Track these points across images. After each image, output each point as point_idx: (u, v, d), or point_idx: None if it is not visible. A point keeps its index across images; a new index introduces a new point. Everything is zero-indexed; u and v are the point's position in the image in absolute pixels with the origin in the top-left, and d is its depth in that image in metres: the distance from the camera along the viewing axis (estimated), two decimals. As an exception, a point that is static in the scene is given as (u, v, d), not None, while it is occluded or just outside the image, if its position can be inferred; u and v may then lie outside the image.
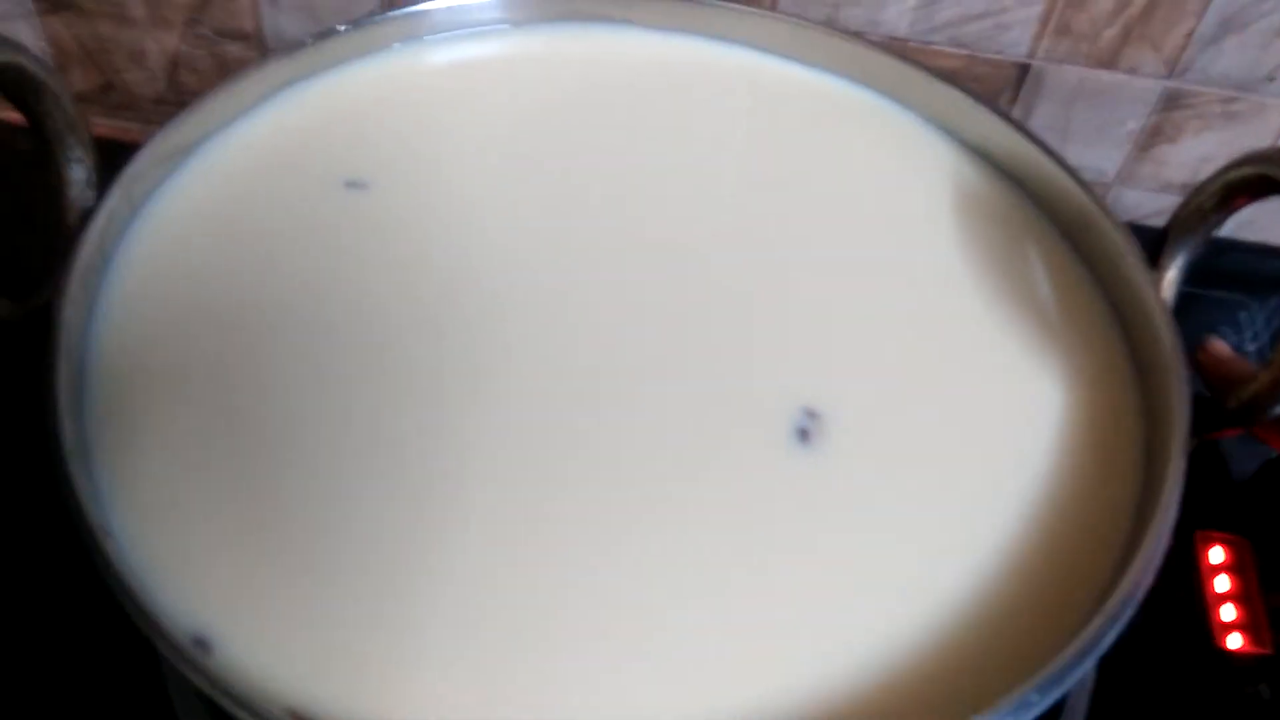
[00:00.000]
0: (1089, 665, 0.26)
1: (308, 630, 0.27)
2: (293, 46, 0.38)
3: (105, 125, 0.65)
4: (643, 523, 0.30)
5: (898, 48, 0.52)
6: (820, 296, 0.37)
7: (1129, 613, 0.27)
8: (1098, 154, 0.57)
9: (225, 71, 0.60)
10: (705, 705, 0.27)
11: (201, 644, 0.26)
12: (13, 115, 0.63)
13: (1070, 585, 0.30)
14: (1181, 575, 0.43)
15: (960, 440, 0.33)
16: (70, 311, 0.30)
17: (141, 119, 0.65)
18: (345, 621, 0.27)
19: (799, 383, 0.34)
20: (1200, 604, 0.42)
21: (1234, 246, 0.58)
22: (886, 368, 0.35)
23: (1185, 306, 0.54)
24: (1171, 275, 0.36)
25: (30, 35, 0.59)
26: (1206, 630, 0.41)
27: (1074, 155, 0.56)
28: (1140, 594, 0.28)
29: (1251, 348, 0.52)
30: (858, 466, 0.32)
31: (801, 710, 0.27)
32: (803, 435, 0.32)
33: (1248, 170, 0.33)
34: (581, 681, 0.27)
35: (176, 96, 0.62)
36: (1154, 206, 0.59)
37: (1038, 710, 0.26)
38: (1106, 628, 0.27)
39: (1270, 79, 0.52)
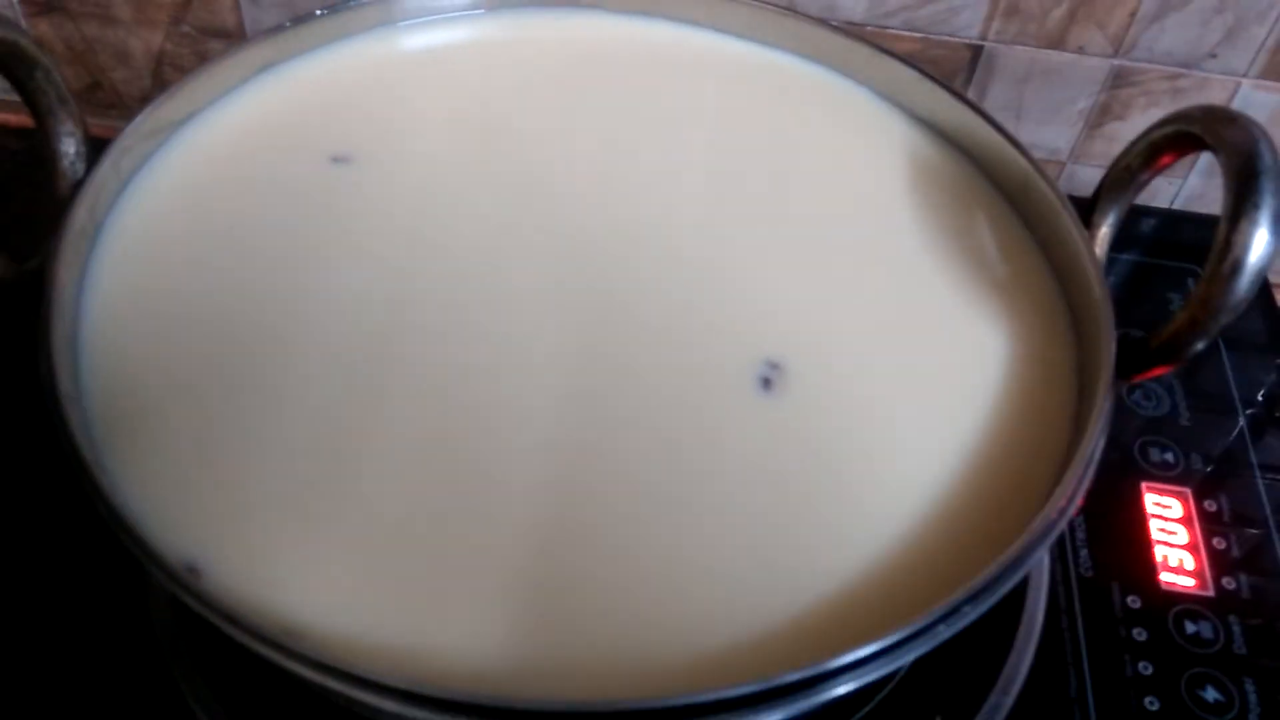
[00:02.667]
0: (1016, 578, 0.29)
1: (291, 557, 0.29)
2: (273, 30, 0.40)
3: (93, 124, 0.66)
4: (621, 461, 0.32)
5: (854, 32, 0.54)
6: (782, 258, 0.39)
7: (1055, 532, 0.29)
8: (1051, 132, 0.59)
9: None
10: (672, 627, 0.29)
11: (192, 571, 0.28)
12: (9, 117, 0.65)
13: (1011, 511, 0.32)
14: (1131, 526, 0.45)
15: (913, 384, 0.35)
16: (64, 272, 0.32)
17: (128, 117, 0.66)
18: (325, 547, 0.29)
19: (761, 337, 0.36)
20: (1147, 550, 0.44)
21: (1185, 219, 0.60)
22: (844, 322, 0.37)
23: (1141, 275, 0.57)
24: (1104, 232, 0.38)
25: (20, 35, 0.61)
26: (1152, 574, 0.43)
27: (1028, 134, 0.59)
28: (1065, 516, 0.30)
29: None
30: (816, 409, 0.34)
31: (769, 627, 0.29)
32: (766, 384, 0.35)
33: (1169, 129, 0.35)
34: (556, 610, 0.29)
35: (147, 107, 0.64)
36: (1107, 183, 0.61)
37: (970, 619, 0.28)
38: (1033, 544, 0.29)
39: (1212, 55, 0.54)
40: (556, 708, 0.25)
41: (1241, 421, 0.50)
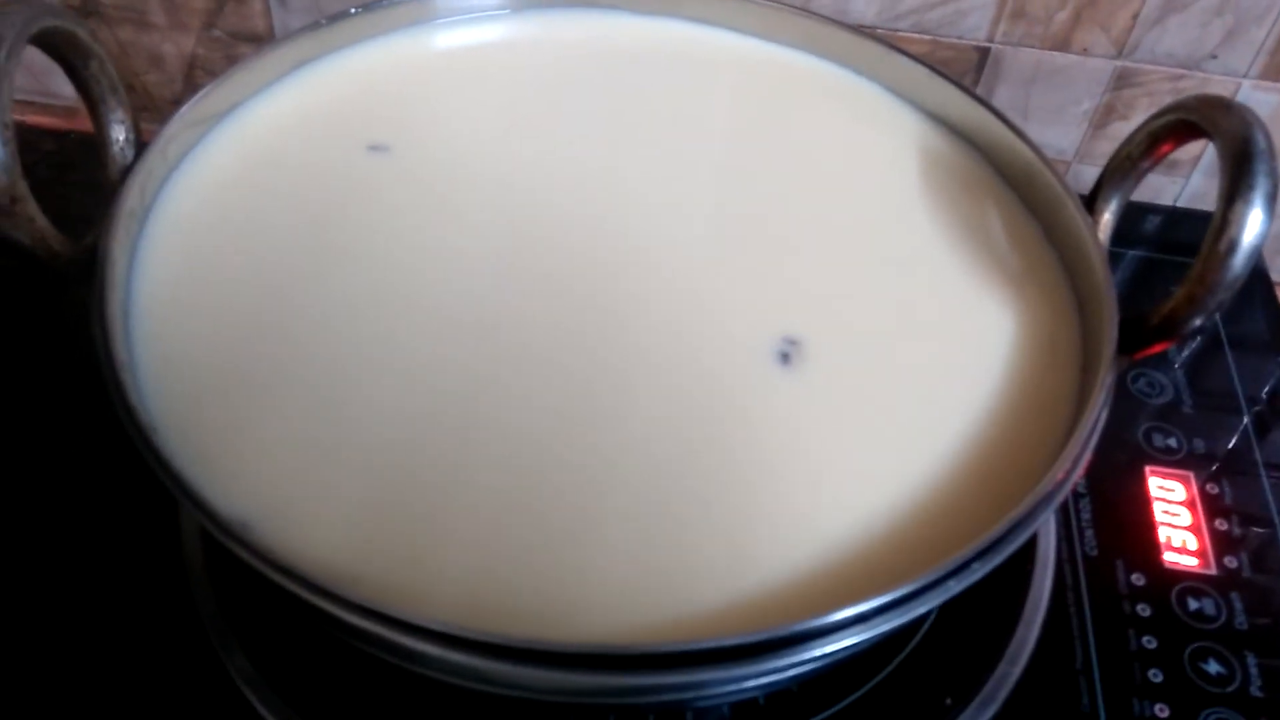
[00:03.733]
0: (1024, 536, 0.30)
1: (328, 512, 0.31)
2: (310, 27, 0.42)
3: (126, 125, 0.69)
4: (649, 428, 0.34)
5: (866, 32, 0.56)
6: (801, 243, 0.40)
7: (1061, 494, 0.31)
8: (1057, 133, 0.61)
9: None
10: (683, 582, 0.30)
11: (245, 527, 0.29)
12: (42, 119, 0.67)
13: (1019, 484, 0.33)
14: (1135, 508, 0.47)
15: (925, 361, 0.37)
16: (116, 248, 0.34)
17: (159, 119, 0.69)
18: (361, 505, 0.31)
19: (780, 316, 0.37)
20: (1150, 531, 0.46)
21: (1188, 216, 0.62)
22: (860, 302, 0.39)
23: (1147, 270, 0.58)
24: (1106, 219, 0.39)
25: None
26: (1156, 554, 0.45)
27: (1034, 135, 0.60)
28: (1070, 480, 0.31)
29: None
30: (832, 383, 0.36)
31: (783, 581, 0.30)
32: (784, 358, 0.36)
33: (1168, 118, 0.37)
34: (586, 567, 0.31)
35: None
36: (1112, 183, 0.63)
37: (979, 574, 0.29)
38: (1040, 504, 0.30)
39: (1212, 56, 0.56)
40: (589, 650, 0.27)
41: (1245, 415, 0.51)
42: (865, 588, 0.28)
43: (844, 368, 0.36)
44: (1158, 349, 0.35)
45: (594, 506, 0.32)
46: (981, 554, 0.29)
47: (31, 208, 0.31)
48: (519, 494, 0.32)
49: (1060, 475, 0.31)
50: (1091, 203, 0.40)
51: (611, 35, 0.47)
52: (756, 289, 0.38)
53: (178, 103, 0.66)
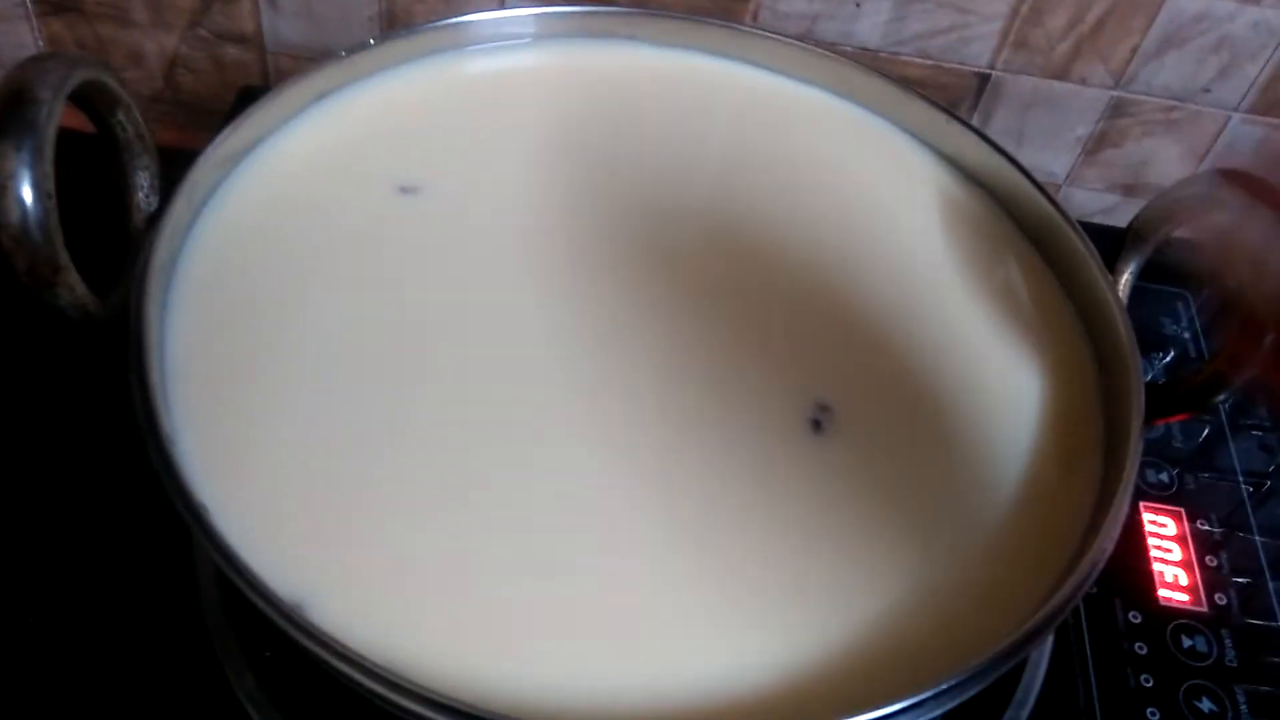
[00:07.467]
0: (1064, 615, 0.31)
1: (382, 593, 0.31)
2: (328, 58, 0.41)
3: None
4: (679, 495, 0.34)
5: (869, 58, 0.56)
6: (824, 302, 0.41)
7: (1096, 572, 0.32)
8: (1049, 157, 0.62)
9: (222, 72, 0.62)
10: (709, 656, 0.31)
11: (299, 607, 0.29)
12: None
13: (1044, 549, 0.34)
14: (1130, 544, 0.48)
15: (950, 425, 0.38)
16: (150, 308, 0.33)
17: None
18: (416, 586, 0.31)
19: (811, 381, 0.38)
20: (1146, 567, 0.47)
21: (1178, 245, 0.63)
22: (886, 366, 0.39)
23: (1136, 299, 0.59)
24: (1126, 278, 0.40)
25: (29, 36, 0.61)
26: (1152, 591, 0.46)
27: (1027, 158, 0.61)
28: (1103, 560, 0.32)
29: (1186, 334, 0.57)
30: (863, 449, 0.36)
31: (799, 658, 0.31)
32: (816, 425, 0.37)
33: (1194, 189, 0.38)
34: (611, 629, 0.31)
35: (173, 95, 0.64)
36: (1099, 205, 0.64)
37: (1026, 651, 0.30)
38: (1077, 589, 0.31)
39: (1206, 90, 0.57)
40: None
41: (1231, 447, 0.53)
42: (913, 677, 0.29)
43: (872, 434, 0.37)
44: (1180, 418, 0.37)
45: (626, 569, 0.32)
46: (1033, 634, 0.30)
47: (73, 276, 0.30)
48: (545, 558, 0.32)
49: (1096, 556, 0.32)
50: (1112, 262, 0.40)
51: (631, 66, 0.47)
52: (781, 350, 0.39)
53: (157, 99, 0.65)
